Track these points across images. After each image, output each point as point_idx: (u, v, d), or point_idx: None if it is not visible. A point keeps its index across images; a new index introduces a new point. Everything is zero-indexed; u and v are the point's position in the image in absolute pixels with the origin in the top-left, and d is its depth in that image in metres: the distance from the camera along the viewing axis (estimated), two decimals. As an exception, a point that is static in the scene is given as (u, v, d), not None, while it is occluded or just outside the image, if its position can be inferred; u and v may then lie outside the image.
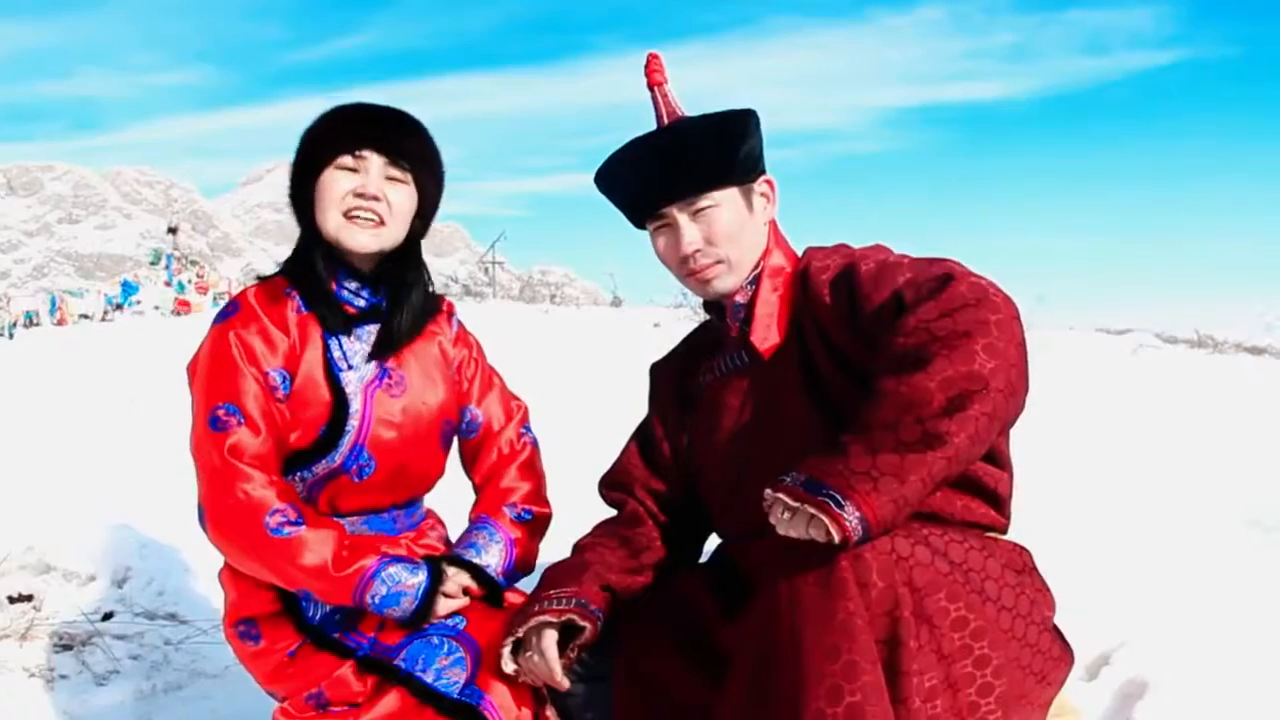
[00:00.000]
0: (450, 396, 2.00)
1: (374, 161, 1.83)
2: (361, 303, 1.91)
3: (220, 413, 1.77)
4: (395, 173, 1.85)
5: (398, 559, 1.81)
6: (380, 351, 1.90)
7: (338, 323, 1.87)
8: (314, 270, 1.87)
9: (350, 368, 1.87)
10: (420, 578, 1.78)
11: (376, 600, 1.75)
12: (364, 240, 1.83)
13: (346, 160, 1.82)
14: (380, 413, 1.87)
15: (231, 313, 1.86)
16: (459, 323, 2.09)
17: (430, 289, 2.00)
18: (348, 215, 1.82)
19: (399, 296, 1.92)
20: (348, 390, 1.85)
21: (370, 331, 1.91)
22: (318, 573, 1.73)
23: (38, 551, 3.14)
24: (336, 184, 1.82)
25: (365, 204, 1.82)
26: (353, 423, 1.85)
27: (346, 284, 1.90)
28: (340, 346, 1.88)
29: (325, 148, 1.83)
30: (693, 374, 1.94)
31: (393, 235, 1.87)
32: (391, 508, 1.96)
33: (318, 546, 1.73)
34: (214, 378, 1.80)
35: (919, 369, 1.40)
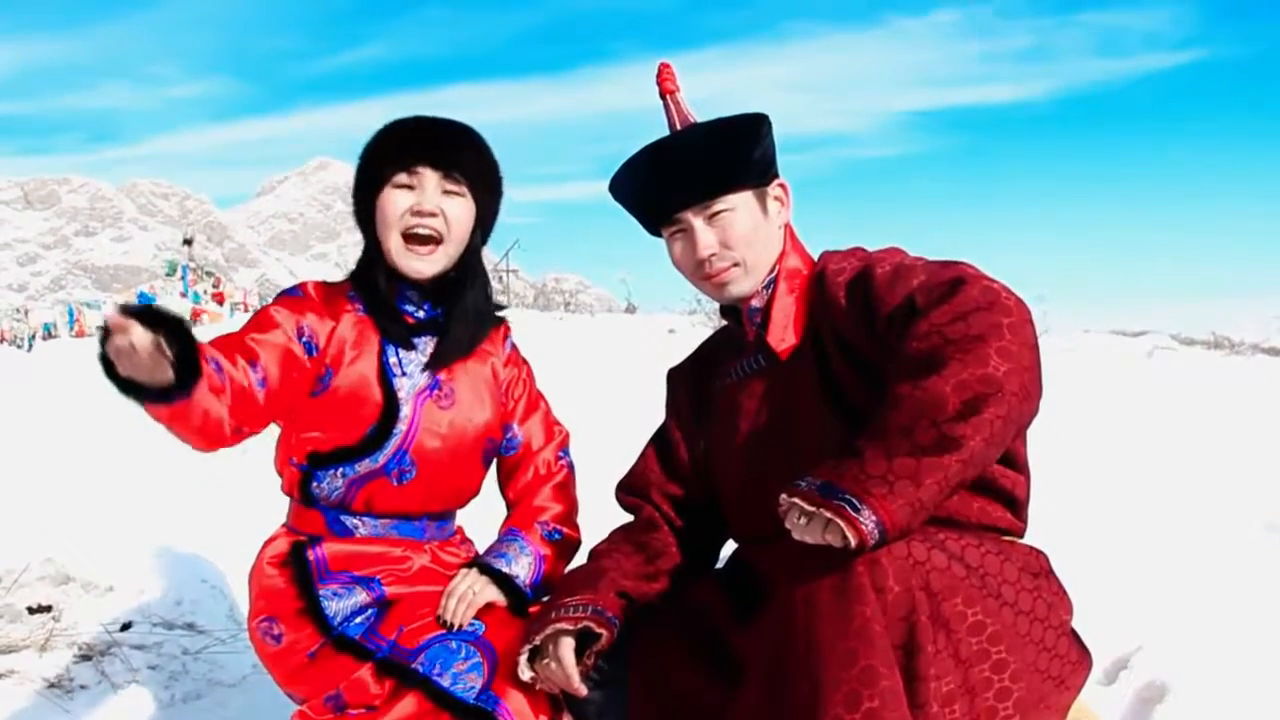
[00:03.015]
0: (496, 417, 2.03)
1: (429, 177, 1.86)
2: (421, 314, 1.97)
3: None
4: (451, 186, 1.88)
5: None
6: (435, 364, 1.94)
7: (397, 333, 1.93)
8: (376, 285, 1.92)
9: (404, 374, 1.92)
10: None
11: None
12: (420, 267, 1.88)
13: (402, 178, 1.86)
14: (427, 422, 1.92)
15: (291, 292, 1.95)
16: (512, 344, 2.13)
17: (490, 301, 2.04)
18: (407, 235, 1.86)
19: (457, 313, 1.96)
20: (399, 395, 1.90)
21: (427, 342, 1.96)
22: None
23: (57, 563, 3.15)
24: (394, 203, 1.86)
25: (423, 221, 1.86)
26: (400, 427, 1.89)
27: (407, 295, 1.95)
28: (396, 353, 1.93)
29: (381, 166, 1.88)
30: (710, 378, 1.94)
31: (450, 254, 1.91)
32: (424, 516, 1.99)
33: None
34: (246, 325, 1.85)
35: (933, 373, 1.39)
